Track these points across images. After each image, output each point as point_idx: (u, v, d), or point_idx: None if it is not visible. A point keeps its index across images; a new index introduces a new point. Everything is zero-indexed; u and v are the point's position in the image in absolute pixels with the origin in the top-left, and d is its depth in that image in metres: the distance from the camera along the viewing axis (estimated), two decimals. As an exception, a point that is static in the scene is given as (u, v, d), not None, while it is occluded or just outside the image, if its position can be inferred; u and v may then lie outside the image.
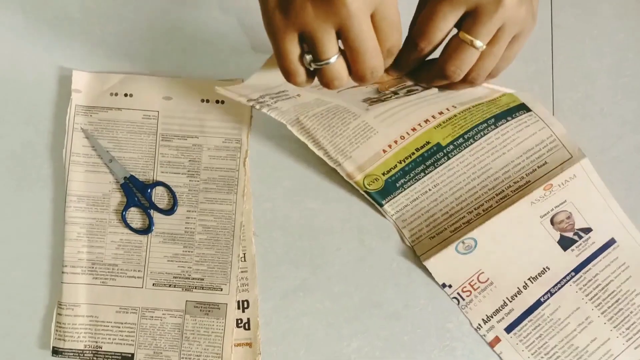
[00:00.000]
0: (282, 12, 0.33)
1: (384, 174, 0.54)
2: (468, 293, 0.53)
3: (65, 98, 0.55)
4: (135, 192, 0.55)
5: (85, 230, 0.54)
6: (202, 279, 0.54)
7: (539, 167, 0.54)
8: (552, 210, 0.54)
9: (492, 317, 0.53)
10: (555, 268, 0.53)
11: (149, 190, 0.55)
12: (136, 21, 0.57)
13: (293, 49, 0.34)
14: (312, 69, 0.35)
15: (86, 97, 0.55)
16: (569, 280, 0.53)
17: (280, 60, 0.35)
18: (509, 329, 0.53)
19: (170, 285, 0.54)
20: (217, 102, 0.56)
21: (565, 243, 0.54)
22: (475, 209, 0.53)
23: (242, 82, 0.56)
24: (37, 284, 0.54)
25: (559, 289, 0.53)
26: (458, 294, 0.53)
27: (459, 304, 0.53)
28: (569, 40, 0.57)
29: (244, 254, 0.55)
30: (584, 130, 0.55)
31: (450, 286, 0.54)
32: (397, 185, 0.54)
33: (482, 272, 0.53)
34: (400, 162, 0.54)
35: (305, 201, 0.55)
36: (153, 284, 0.54)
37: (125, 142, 0.55)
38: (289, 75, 0.36)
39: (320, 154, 0.53)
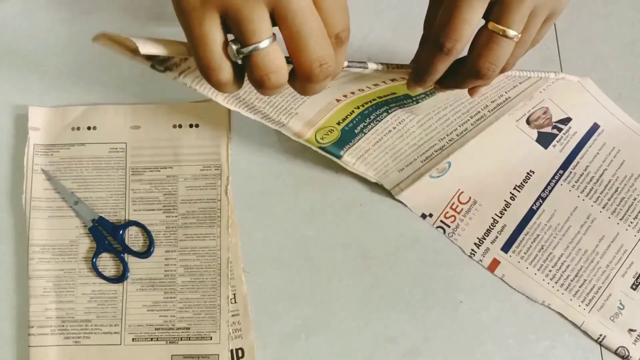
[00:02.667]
0: None
1: (339, 124, 0.43)
2: (452, 218, 0.46)
3: (22, 138, 0.48)
4: (106, 236, 0.47)
5: (52, 284, 0.46)
6: (188, 328, 0.46)
7: (520, 83, 0.45)
8: (529, 111, 0.46)
9: (484, 238, 0.46)
10: (540, 170, 0.46)
11: (121, 232, 0.47)
12: (96, 48, 0.50)
13: (214, 34, 0.25)
14: (239, 60, 0.26)
15: (45, 134, 0.48)
16: (558, 180, 0.46)
17: (197, 50, 0.26)
18: (506, 247, 0.46)
19: (152, 338, 0.46)
20: (191, 126, 0.48)
21: (545, 140, 0.47)
22: (447, 135, 0.45)
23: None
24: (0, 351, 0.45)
25: (550, 191, 0.46)
26: (441, 221, 0.46)
27: (444, 232, 0.46)
28: (574, 23, 0.50)
29: (234, 294, 0.46)
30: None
31: (430, 215, 0.46)
32: (356, 131, 0.44)
33: (462, 192, 0.46)
34: (358, 107, 0.42)
35: (299, 228, 0.47)
36: (133, 339, 0.46)
37: (91, 181, 0.48)
38: (209, 71, 0.26)
39: (257, 118, 0.41)
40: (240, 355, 0.45)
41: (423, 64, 0.31)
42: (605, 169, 0.46)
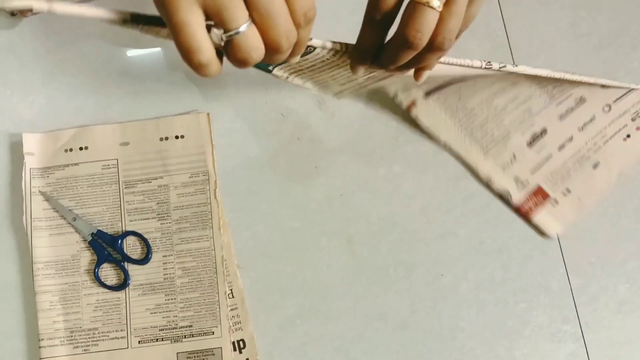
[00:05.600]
0: None
1: None
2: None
3: (18, 164, 0.49)
4: (105, 247, 0.48)
5: (58, 298, 0.47)
6: (191, 326, 0.47)
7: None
8: None
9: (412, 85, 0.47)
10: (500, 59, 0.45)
11: (119, 242, 0.48)
12: (80, 73, 0.52)
13: (191, 19, 0.27)
14: (223, 42, 0.28)
15: (40, 158, 0.50)
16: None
17: (176, 35, 0.27)
18: (428, 94, 0.48)
19: (157, 339, 0.47)
20: (177, 137, 0.50)
21: None
22: None
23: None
24: (14, 366, 0.46)
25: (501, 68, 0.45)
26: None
27: None
28: (519, 11, 0.53)
29: (231, 290, 0.48)
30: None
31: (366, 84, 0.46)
32: None
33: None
34: None
35: (286, 221, 0.49)
36: (139, 342, 0.47)
37: (87, 197, 0.49)
38: (189, 53, 0.28)
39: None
40: (242, 346, 0.47)
41: (359, 40, 0.34)
42: None
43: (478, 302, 0.47)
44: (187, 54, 0.28)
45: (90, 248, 0.48)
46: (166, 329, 0.47)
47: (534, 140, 0.48)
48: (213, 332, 0.47)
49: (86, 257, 0.48)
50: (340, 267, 0.48)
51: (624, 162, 0.48)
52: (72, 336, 0.47)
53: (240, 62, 0.29)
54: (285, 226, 0.49)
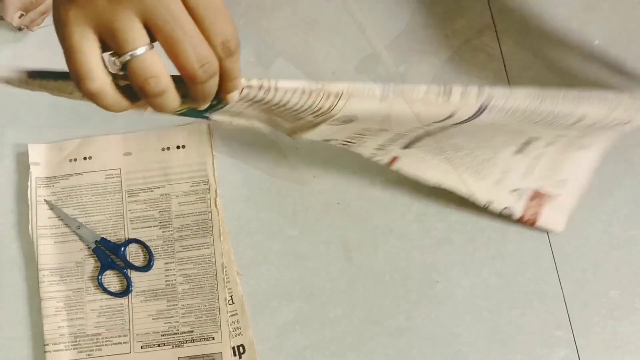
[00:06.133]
0: (69, 2, 0.25)
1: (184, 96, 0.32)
2: (359, 138, 0.42)
3: (24, 174, 0.51)
4: (109, 254, 0.49)
5: (63, 304, 0.48)
6: (192, 332, 0.48)
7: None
8: None
9: (388, 144, 0.42)
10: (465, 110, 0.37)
11: (122, 250, 0.49)
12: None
13: (82, 45, 0.25)
14: (120, 71, 0.26)
15: (45, 168, 0.51)
16: (482, 112, 0.37)
17: (67, 61, 0.26)
18: (408, 146, 0.43)
19: (159, 344, 0.48)
20: (178, 147, 0.51)
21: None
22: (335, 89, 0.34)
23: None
24: (20, 371, 0.48)
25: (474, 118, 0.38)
26: (347, 141, 0.42)
27: (349, 146, 0.43)
28: (513, 23, 0.54)
29: (231, 296, 0.49)
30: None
31: (336, 139, 0.42)
32: (213, 102, 0.31)
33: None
34: None
35: (284, 230, 0.50)
36: (141, 347, 0.48)
37: (91, 206, 0.50)
38: (78, 81, 0.25)
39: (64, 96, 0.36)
40: (241, 351, 0.48)
41: None
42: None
43: (472, 308, 0.48)
44: (76, 81, 0.26)
45: (94, 255, 0.49)
46: (168, 334, 0.48)
47: (523, 148, 0.45)
48: (213, 338, 0.48)
49: (90, 264, 0.49)
50: (337, 274, 0.49)
51: (607, 142, 0.46)
52: (76, 341, 0.48)
53: (139, 91, 0.26)
54: (284, 234, 0.50)
